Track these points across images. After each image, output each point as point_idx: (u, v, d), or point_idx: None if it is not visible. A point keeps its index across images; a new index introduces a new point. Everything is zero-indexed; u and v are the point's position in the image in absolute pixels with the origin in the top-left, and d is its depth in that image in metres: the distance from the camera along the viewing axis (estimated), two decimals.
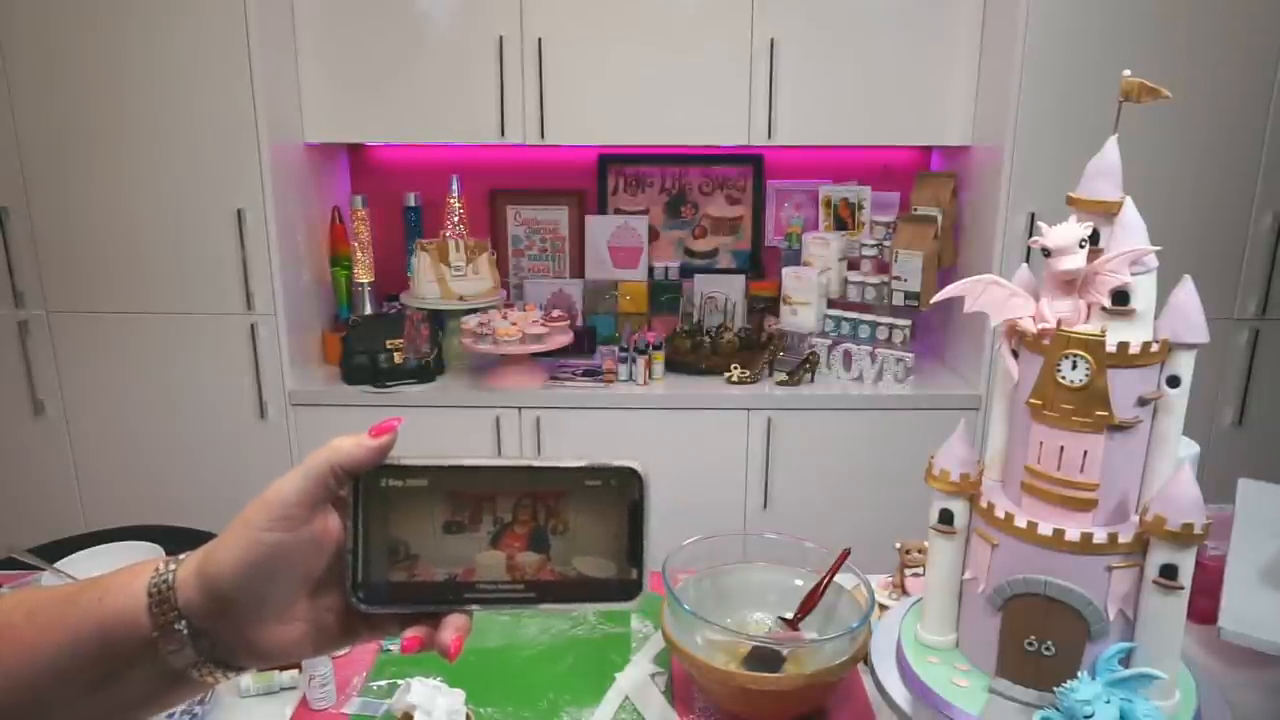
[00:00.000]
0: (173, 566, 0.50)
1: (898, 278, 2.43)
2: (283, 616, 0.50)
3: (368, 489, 0.50)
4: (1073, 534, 0.80)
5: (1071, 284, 0.83)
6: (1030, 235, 2.20)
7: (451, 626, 0.51)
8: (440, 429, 2.36)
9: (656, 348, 2.42)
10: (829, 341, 2.47)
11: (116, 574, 0.51)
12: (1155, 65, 2.11)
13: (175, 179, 2.25)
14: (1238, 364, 2.34)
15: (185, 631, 0.49)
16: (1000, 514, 0.85)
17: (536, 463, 0.51)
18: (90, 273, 2.31)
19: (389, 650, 1.20)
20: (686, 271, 2.77)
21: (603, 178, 2.77)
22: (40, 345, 2.36)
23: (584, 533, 0.51)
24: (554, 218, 2.78)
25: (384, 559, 0.50)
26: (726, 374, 2.43)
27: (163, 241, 2.29)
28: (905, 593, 1.26)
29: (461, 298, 2.50)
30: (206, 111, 2.20)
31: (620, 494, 0.51)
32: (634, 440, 2.37)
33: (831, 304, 2.52)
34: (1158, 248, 0.81)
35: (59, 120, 2.21)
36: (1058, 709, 0.79)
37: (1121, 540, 0.80)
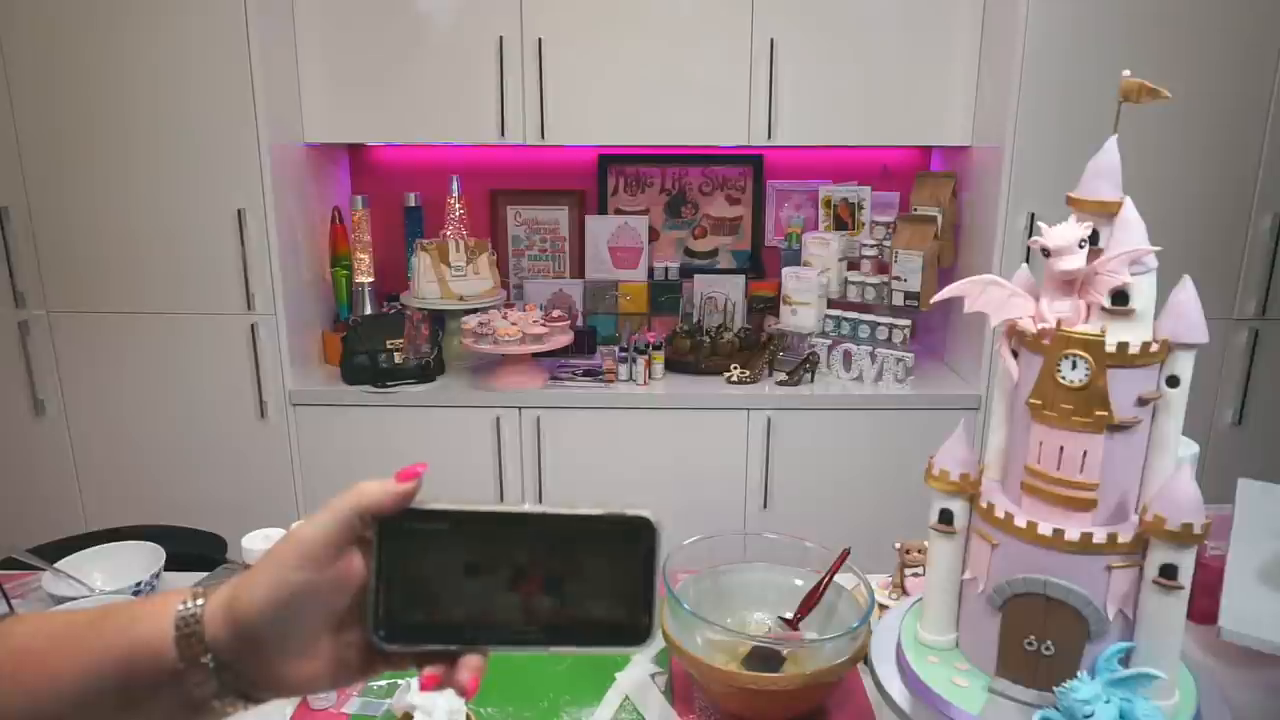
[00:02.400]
0: (200, 601, 0.52)
1: (898, 278, 2.44)
2: (306, 652, 0.51)
3: (391, 531, 0.52)
4: (1072, 534, 0.81)
5: (1071, 284, 0.83)
6: (1030, 235, 2.20)
7: (468, 667, 0.53)
8: (440, 429, 2.36)
9: (656, 348, 2.42)
10: (829, 341, 2.47)
11: (142, 603, 0.53)
12: (1155, 65, 2.12)
13: (175, 179, 2.25)
14: (1238, 364, 2.34)
15: (211, 665, 0.50)
16: (1000, 514, 0.85)
17: (554, 510, 0.52)
18: (90, 273, 2.31)
19: None
20: (686, 271, 2.77)
21: (603, 178, 2.77)
22: (40, 345, 2.36)
23: (598, 578, 0.52)
24: (554, 218, 2.78)
25: (405, 599, 0.52)
26: (726, 374, 2.43)
27: (163, 241, 2.29)
28: (905, 593, 1.26)
29: (461, 298, 2.50)
30: (206, 111, 2.20)
31: (634, 541, 0.52)
32: (634, 440, 2.37)
33: (831, 304, 2.52)
34: (1157, 248, 0.81)
35: (59, 120, 2.21)
36: (1057, 709, 0.80)
37: (1121, 540, 0.80)
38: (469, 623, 0.52)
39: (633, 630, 0.52)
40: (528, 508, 0.52)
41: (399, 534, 0.52)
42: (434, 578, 0.52)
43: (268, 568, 0.51)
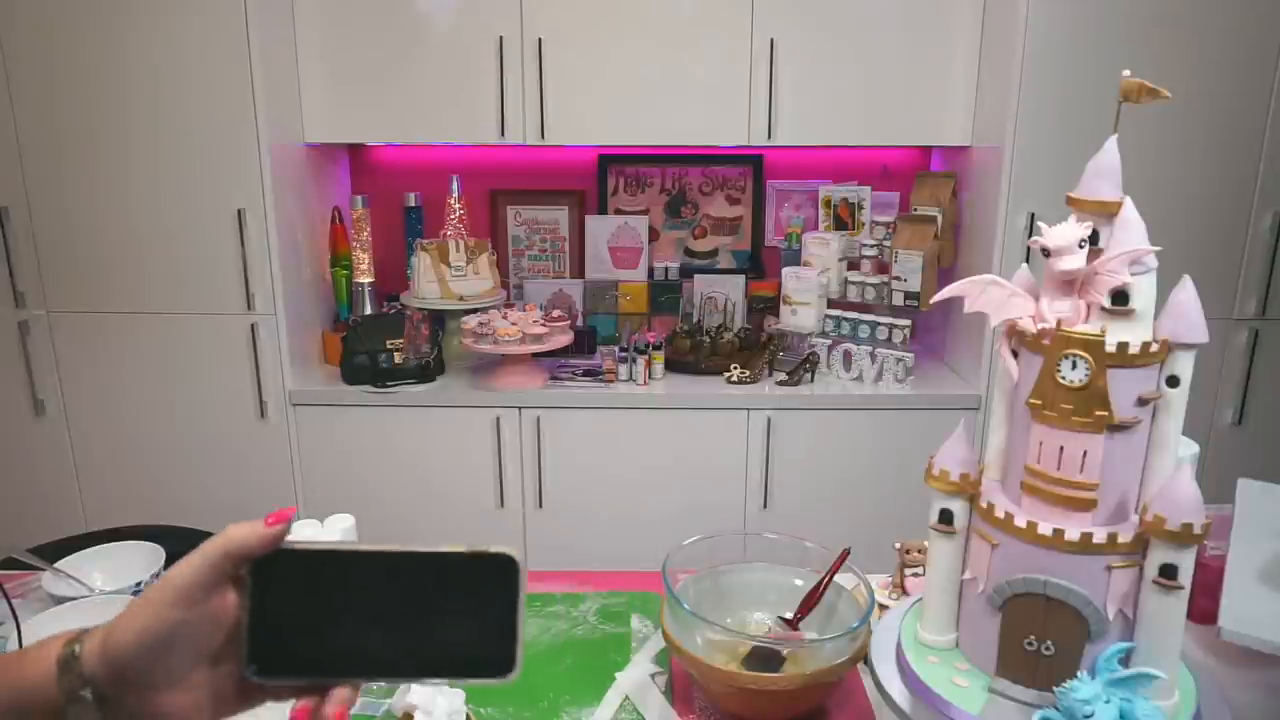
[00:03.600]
0: (83, 641, 0.55)
1: (898, 278, 2.44)
2: (182, 685, 0.54)
3: (263, 571, 0.55)
4: (1072, 534, 0.81)
5: (1071, 284, 0.83)
6: (1030, 235, 2.20)
7: (336, 699, 0.55)
8: (440, 429, 2.36)
9: (656, 348, 2.42)
10: (829, 341, 2.47)
11: (34, 646, 0.56)
12: (1155, 65, 2.12)
13: (175, 179, 2.25)
14: (1238, 364, 2.34)
15: (90, 699, 0.53)
16: (1000, 514, 0.85)
17: (420, 548, 0.55)
18: (90, 273, 2.31)
19: None
20: (686, 271, 2.77)
21: (603, 178, 2.77)
22: (40, 345, 2.36)
23: (464, 612, 0.55)
24: (554, 218, 2.78)
25: (277, 635, 0.55)
26: (726, 374, 2.43)
27: (163, 241, 2.29)
28: (905, 593, 1.26)
29: (461, 298, 2.50)
30: (206, 111, 2.20)
31: (499, 577, 0.54)
32: (634, 440, 2.37)
33: (831, 304, 2.52)
34: (1157, 248, 0.81)
35: (59, 120, 2.21)
36: (1057, 709, 0.80)
37: (1121, 540, 0.80)
38: (340, 656, 0.55)
39: (499, 662, 0.54)
40: (395, 546, 0.55)
41: (270, 574, 0.55)
42: (305, 614, 0.55)
43: (142, 606, 0.54)
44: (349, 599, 0.55)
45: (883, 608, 1.15)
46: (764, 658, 1.06)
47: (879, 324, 2.43)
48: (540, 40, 2.32)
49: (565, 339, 2.40)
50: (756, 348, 2.54)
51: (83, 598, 1.22)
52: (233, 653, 0.55)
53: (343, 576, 0.55)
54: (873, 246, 2.50)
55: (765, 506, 2.42)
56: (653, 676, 1.16)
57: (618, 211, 2.78)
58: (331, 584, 0.55)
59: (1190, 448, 0.99)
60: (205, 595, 0.54)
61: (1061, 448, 0.82)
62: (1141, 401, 0.81)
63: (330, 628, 0.55)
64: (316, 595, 0.55)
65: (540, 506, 2.42)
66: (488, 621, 0.54)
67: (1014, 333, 0.87)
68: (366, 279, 2.60)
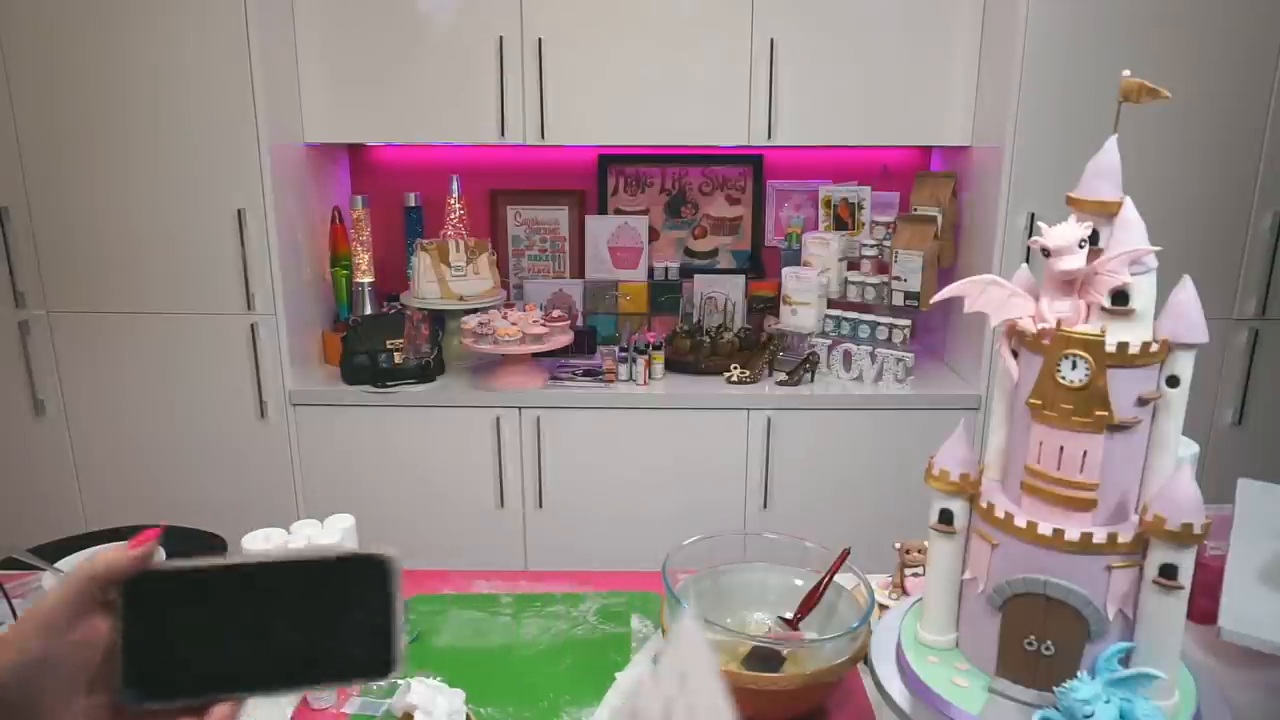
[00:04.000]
0: None
1: (898, 278, 2.44)
2: (60, 715, 0.53)
3: (134, 593, 0.54)
4: (1072, 534, 0.81)
5: (1071, 284, 0.83)
6: (1030, 235, 2.20)
7: (215, 717, 0.54)
8: (440, 429, 2.36)
9: (656, 348, 2.42)
10: (829, 341, 2.47)
11: None
12: (1155, 65, 2.12)
13: (175, 179, 2.25)
14: (1237, 364, 2.34)
15: None
16: (1000, 514, 0.85)
17: (295, 555, 0.55)
18: (90, 273, 2.31)
19: None
20: (686, 271, 2.77)
21: (603, 178, 2.77)
22: (40, 345, 2.36)
23: (342, 616, 0.54)
24: (554, 218, 2.78)
25: (153, 657, 0.54)
26: (726, 374, 2.43)
27: (163, 241, 2.29)
28: (905, 593, 1.26)
29: (461, 298, 2.50)
30: (206, 111, 2.20)
31: (375, 578, 0.55)
32: (634, 440, 2.37)
33: (831, 304, 2.52)
34: (1157, 248, 0.81)
35: (59, 120, 2.21)
36: (1057, 709, 0.80)
37: (1121, 540, 0.80)
38: (219, 673, 0.54)
39: (379, 663, 0.54)
40: (268, 556, 0.55)
41: (141, 595, 0.54)
42: (180, 634, 0.54)
43: (9, 637, 0.53)
44: (224, 614, 0.54)
45: (883, 608, 1.15)
46: (764, 658, 1.06)
47: (879, 324, 2.43)
48: (540, 40, 2.32)
49: (565, 339, 2.40)
50: (756, 348, 2.54)
51: None
52: (110, 678, 0.54)
53: (216, 592, 0.54)
54: (873, 246, 2.50)
55: (765, 506, 2.42)
56: None
57: (618, 211, 2.78)
58: (205, 601, 0.54)
59: (1190, 448, 0.99)
60: (73, 622, 0.53)
61: (1061, 448, 0.82)
62: (1141, 401, 0.81)
63: (207, 645, 0.54)
64: (191, 613, 0.54)
65: (540, 507, 2.42)
66: (367, 623, 0.54)
67: (1014, 333, 0.87)
68: (366, 279, 2.60)
